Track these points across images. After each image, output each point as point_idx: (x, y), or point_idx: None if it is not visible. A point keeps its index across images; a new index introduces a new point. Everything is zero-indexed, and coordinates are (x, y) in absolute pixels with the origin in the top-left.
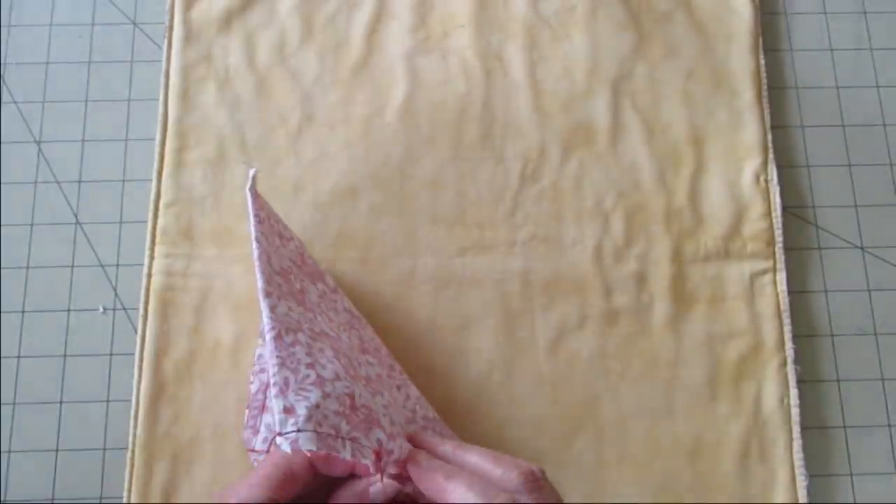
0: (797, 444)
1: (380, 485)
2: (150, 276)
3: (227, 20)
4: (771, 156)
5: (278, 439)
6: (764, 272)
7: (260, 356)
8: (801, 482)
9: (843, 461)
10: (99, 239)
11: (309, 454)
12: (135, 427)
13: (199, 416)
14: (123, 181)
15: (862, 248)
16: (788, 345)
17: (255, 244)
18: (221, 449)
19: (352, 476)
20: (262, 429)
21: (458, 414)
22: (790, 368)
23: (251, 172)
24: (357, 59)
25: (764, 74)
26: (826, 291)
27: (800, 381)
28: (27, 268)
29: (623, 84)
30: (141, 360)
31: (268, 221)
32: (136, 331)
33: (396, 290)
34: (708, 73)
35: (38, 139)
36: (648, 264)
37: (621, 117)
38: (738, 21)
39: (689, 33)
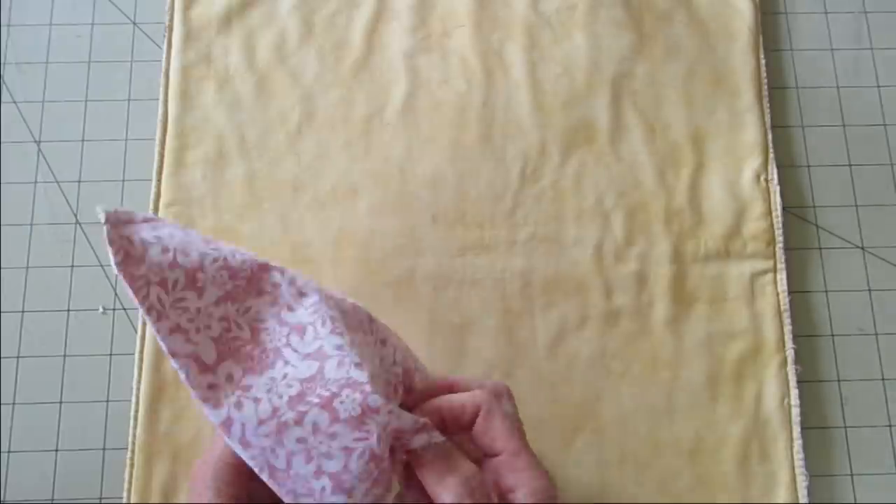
0: (797, 444)
1: None
2: None
3: (227, 20)
4: (771, 155)
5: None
6: (764, 272)
7: None
8: (802, 482)
9: (843, 461)
10: (99, 239)
11: None
12: (135, 427)
13: (199, 416)
14: (123, 181)
15: (862, 248)
16: (789, 345)
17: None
18: None
19: None
20: None
21: None
22: (790, 368)
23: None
24: (357, 58)
25: (764, 74)
26: (826, 291)
27: (800, 381)
28: (27, 268)
29: (623, 84)
30: (141, 360)
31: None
32: (136, 331)
33: (396, 290)
34: (708, 72)
35: (37, 139)
36: (649, 264)
37: (621, 117)
38: (738, 21)
39: (690, 33)
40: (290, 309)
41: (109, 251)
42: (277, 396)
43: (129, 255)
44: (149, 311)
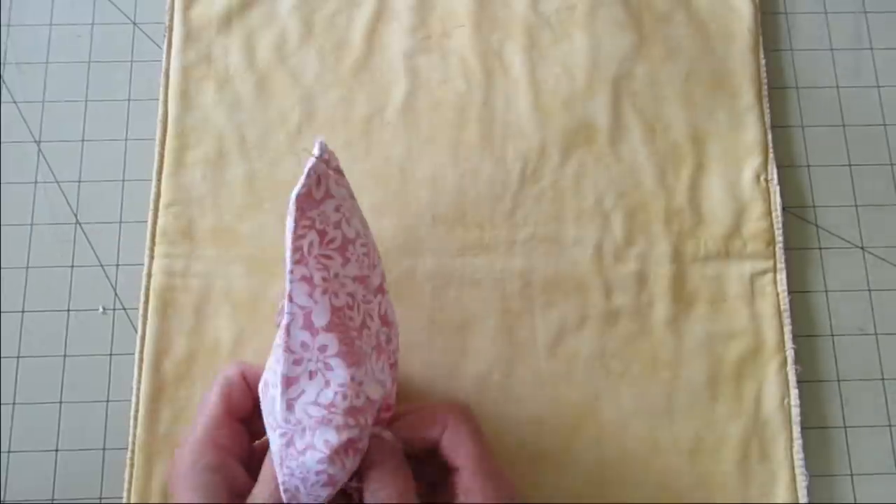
0: (797, 444)
1: None
2: (150, 276)
3: (227, 20)
4: (771, 155)
5: None
6: (764, 272)
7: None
8: (802, 482)
9: (843, 461)
10: (99, 239)
11: (241, 370)
12: (135, 427)
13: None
14: (123, 181)
15: (862, 248)
16: (788, 345)
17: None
18: None
19: None
20: None
21: None
22: (790, 368)
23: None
24: (357, 58)
25: (764, 74)
26: (826, 291)
27: (800, 381)
28: (27, 268)
29: (623, 84)
30: (141, 360)
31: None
32: (136, 331)
33: (396, 290)
34: (708, 73)
35: (37, 139)
36: (649, 264)
37: (621, 117)
38: (738, 21)
39: (689, 33)
40: (386, 324)
41: (302, 179)
42: (343, 398)
43: (311, 194)
44: (294, 250)
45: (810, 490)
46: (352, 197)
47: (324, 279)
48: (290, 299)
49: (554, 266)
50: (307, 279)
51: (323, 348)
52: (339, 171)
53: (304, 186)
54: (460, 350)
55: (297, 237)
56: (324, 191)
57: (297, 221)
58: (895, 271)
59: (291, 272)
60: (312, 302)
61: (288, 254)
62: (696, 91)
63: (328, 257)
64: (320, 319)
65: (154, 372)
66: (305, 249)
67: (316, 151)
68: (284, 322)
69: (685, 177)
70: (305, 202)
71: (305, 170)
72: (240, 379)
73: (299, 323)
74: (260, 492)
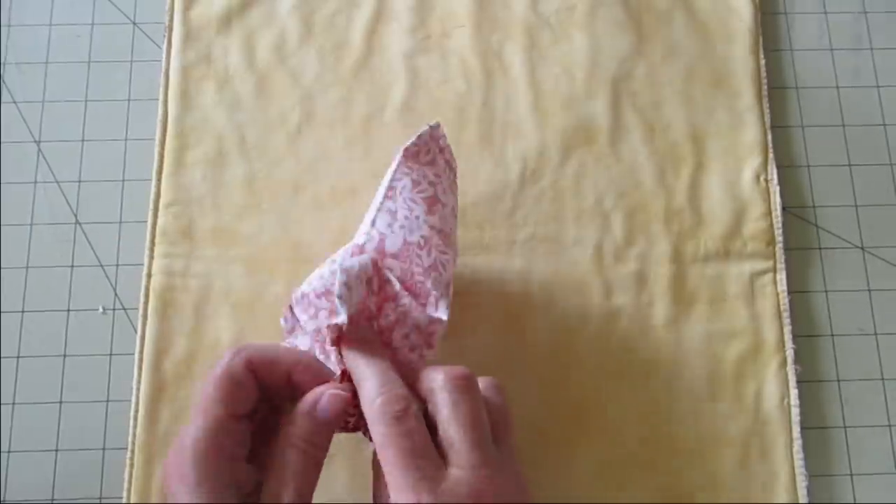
0: (797, 444)
1: (326, 398)
2: (149, 276)
3: (227, 20)
4: (771, 156)
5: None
6: (764, 272)
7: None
8: (802, 482)
9: (843, 461)
10: (98, 239)
11: (247, 358)
12: (134, 427)
13: None
14: (123, 181)
15: (862, 248)
16: (788, 345)
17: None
18: None
19: (292, 390)
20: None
21: None
22: (790, 368)
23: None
24: (357, 59)
25: (764, 74)
26: (826, 291)
27: (800, 381)
28: (27, 268)
29: (623, 84)
30: (141, 360)
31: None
32: (135, 331)
33: None
34: (708, 73)
35: (37, 139)
36: (648, 264)
37: (621, 117)
38: (738, 21)
39: (689, 33)
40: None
41: (413, 139)
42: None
43: (418, 154)
44: (389, 188)
45: (810, 490)
46: (454, 182)
47: (406, 217)
48: (373, 224)
49: (554, 266)
50: (392, 212)
51: (388, 270)
52: (449, 159)
53: (414, 145)
54: (460, 350)
55: (395, 179)
56: (429, 159)
57: (398, 166)
58: (895, 271)
59: (381, 203)
60: (390, 231)
61: (382, 189)
62: (695, 91)
63: (415, 202)
64: (392, 247)
65: (154, 372)
66: (398, 189)
67: (432, 123)
68: (360, 242)
69: (685, 177)
70: (411, 156)
71: (417, 133)
72: (245, 372)
73: (374, 244)
74: (276, 490)
